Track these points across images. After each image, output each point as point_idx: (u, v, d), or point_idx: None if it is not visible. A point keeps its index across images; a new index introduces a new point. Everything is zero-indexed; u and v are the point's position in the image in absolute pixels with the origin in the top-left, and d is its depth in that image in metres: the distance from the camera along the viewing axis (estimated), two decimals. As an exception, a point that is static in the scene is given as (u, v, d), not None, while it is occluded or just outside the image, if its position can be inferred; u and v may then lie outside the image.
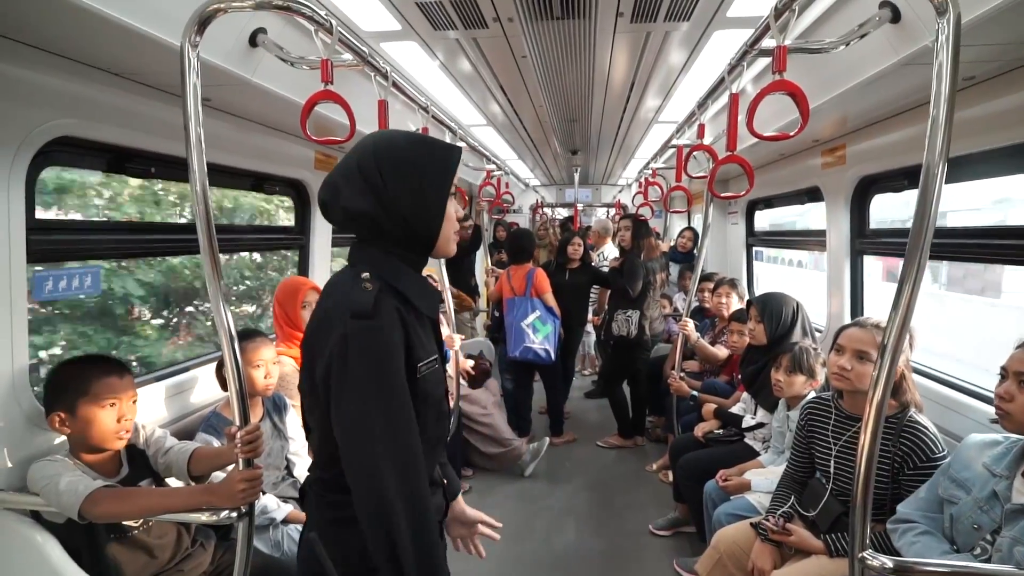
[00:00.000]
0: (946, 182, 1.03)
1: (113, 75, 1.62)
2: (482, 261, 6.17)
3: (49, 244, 1.61)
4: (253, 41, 1.65)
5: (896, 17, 1.43)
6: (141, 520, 1.54)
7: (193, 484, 1.61)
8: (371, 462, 0.91)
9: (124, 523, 1.50)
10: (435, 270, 3.86)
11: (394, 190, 0.98)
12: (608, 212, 8.47)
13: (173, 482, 1.66)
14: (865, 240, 2.75)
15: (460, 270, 5.12)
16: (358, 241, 1.05)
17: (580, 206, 7.60)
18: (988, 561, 1.26)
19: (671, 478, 2.99)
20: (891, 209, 3.15)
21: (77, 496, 1.33)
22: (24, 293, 1.47)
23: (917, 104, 2.04)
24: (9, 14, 1.23)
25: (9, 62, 1.37)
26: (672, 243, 5.41)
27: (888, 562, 1.13)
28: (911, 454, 1.61)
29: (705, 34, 2.22)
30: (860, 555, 1.15)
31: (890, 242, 2.65)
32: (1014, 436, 1.34)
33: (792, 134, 1.52)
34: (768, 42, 1.44)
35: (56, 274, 1.69)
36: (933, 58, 1.02)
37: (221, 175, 2.31)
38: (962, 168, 1.92)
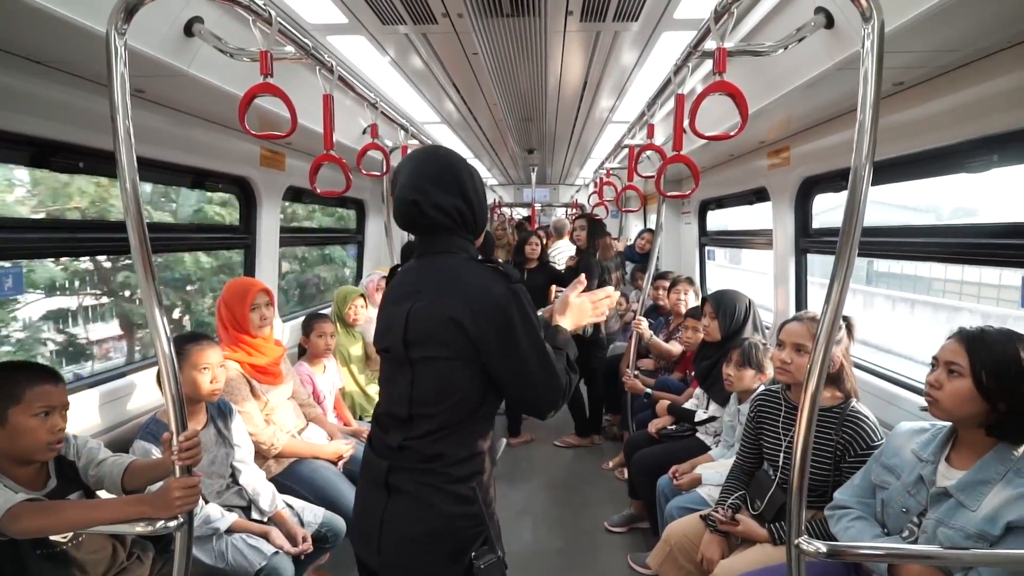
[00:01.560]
0: (877, 184, 1.07)
1: (36, 63, 1.53)
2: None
3: None
4: (189, 30, 1.58)
5: (830, 23, 1.49)
6: (71, 534, 1.45)
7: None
8: (551, 368, 1.21)
9: (51, 538, 1.41)
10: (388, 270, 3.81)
11: (470, 190, 1.26)
12: (566, 211, 8.54)
13: (105, 495, 1.58)
14: (808, 239, 2.85)
15: None
16: (439, 233, 1.26)
17: (538, 206, 7.64)
18: (915, 543, 1.32)
19: (626, 475, 3.03)
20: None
21: None
22: None
23: (853, 108, 2.11)
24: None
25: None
26: (629, 243, 5.49)
27: (822, 547, 1.17)
28: (852, 442, 1.68)
29: (653, 35, 2.26)
30: (796, 541, 1.19)
31: (832, 240, 2.76)
32: (940, 423, 1.41)
33: (733, 134, 1.55)
34: (710, 44, 1.47)
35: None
36: (860, 64, 1.06)
37: (157, 171, 2.21)
38: (894, 170, 2.01)
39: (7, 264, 1.70)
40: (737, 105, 1.46)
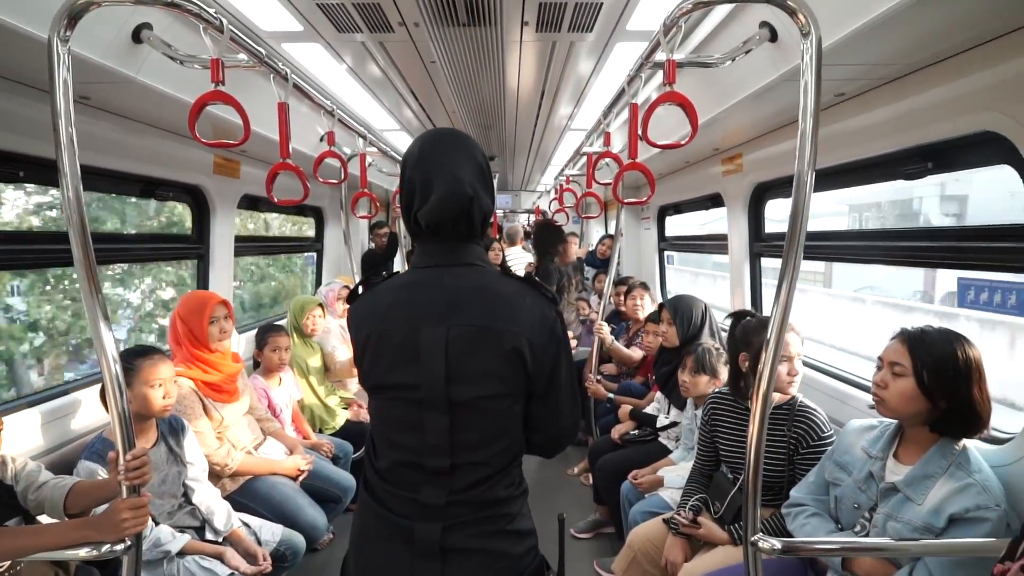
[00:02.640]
0: (820, 190, 1.12)
1: None
2: (400, 270, 6.06)
3: None
4: (137, 37, 1.53)
5: (774, 37, 1.54)
6: (6, 564, 1.38)
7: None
8: (578, 400, 1.12)
9: None
10: (349, 278, 3.75)
11: (493, 193, 1.10)
12: (528, 218, 8.59)
13: (45, 519, 1.50)
14: (762, 243, 2.93)
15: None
16: (466, 241, 1.07)
17: (500, 212, 7.66)
18: (867, 536, 1.37)
19: (591, 481, 3.05)
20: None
21: None
22: None
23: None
24: None
25: None
26: (591, 248, 5.56)
27: (777, 544, 1.21)
28: (804, 436, 1.74)
29: (608, 45, 2.30)
30: (752, 539, 1.22)
31: (781, 245, 2.84)
32: (888, 420, 1.47)
33: (684, 143, 1.59)
34: (661, 56, 1.51)
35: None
36: (800, 76, 1.10)
37: (104, 180, 2.13)
38: (838, 177, 2.09)
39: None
40: (687, 115, 1.50)
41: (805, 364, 2.45)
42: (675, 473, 2.30)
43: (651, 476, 2.34)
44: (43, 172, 1.79)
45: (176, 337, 2.21)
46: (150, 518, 1.48)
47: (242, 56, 1.61)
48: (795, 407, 1.78)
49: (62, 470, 1.74)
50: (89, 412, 2.02)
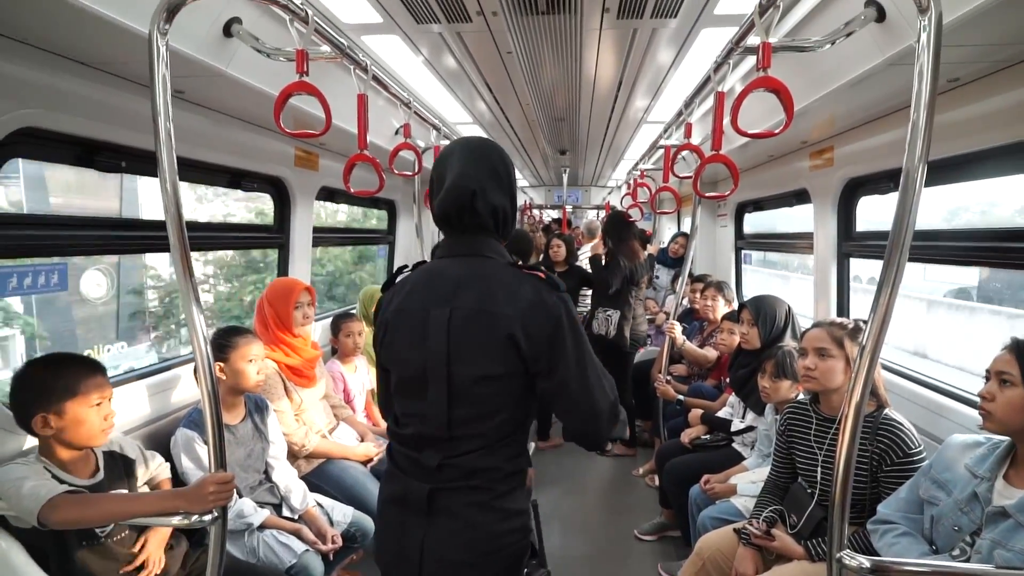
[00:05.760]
0: (930, 185, 1.02)
1: (81, 64, 1.57)
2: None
3: (11, 240, 1.56)
4: (228, 31, 1.60)
5: (881, 16, 1.42)
6: (112, 527, 1.50)
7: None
8: (600, 379, 1.14)
9: (95, 530, 1.47)
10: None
11: (513, 191, 1.21)
12: (598, 214, 8.47)
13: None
14: (852, 243, 2.74)
15: None
16: (479, 234, 1.18)
17: (569, 207, 7.59)
18: (967, 563, 1.25)
19: (657, 482, 2.97)
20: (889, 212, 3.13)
21: (38, 501, 1.29)
22: None
23: (903, 106, 2.03)
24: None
25: (-33, 50, 1.32)
26: (662, 245, 5.40)
27: (866, 562, 1.12)
28: (888, 451, 1.61)
29: (692, 31, 2.20)
30: (838, 555, 1.14)
31: (876, 244, 2.64)
32: (996, 437, 1.34)
33: (777, 132, 1.49)
34: (753, 40, 1.42)
35: (20, 271, 1.63)
36: (915, 59, 1.00)
37: (195, 171, 2.25)
38: (948, 171, 1.91)
39: (54, 260, 1.75)
40: (782, 102, 1.40)
41: (893, 371, 2.29)
42: (748, 480, 2.20)
43: (723, 484, 2.24)
44: (142, 163, 1.92)
45: (263, 320, 2.33)
46: (236, 491, 1.57)
47: (325, 48, 1.66)
48: (879, 419, 1.65)
49: (162, 438, 1.90)
50: (187, 386, 2.16)
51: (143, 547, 1.57)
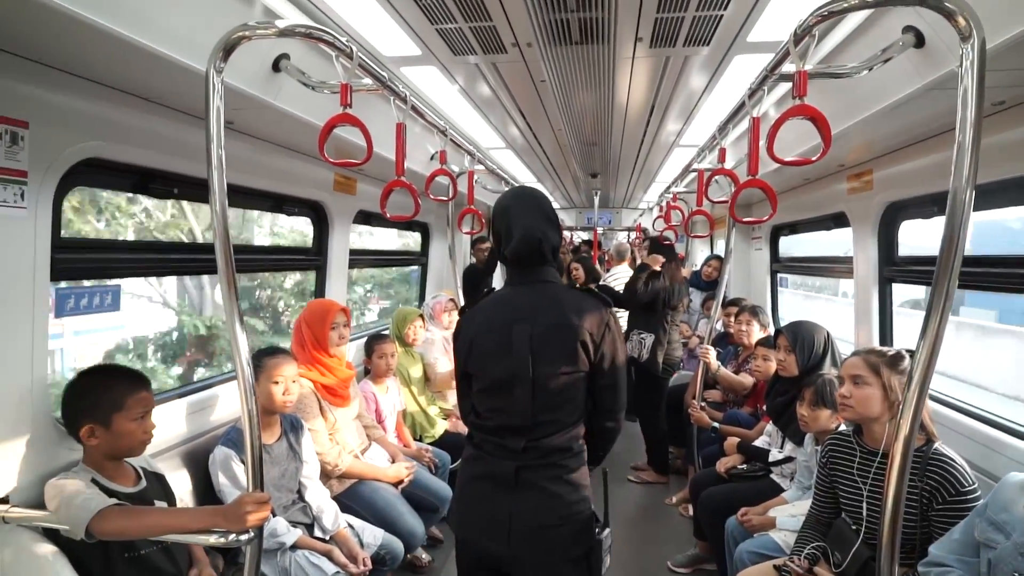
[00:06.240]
0: (977, 209, 1.00)
1: (139, 98, 1.67)
2: (497, 284, 6.16)
3: (72, 263, 1.64)
4: (276, 66, 1.68)
5: (920, 42, 1.40)
6: (155, 542, 1.53)
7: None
8: (625, 383, 1.51)
9: (137, 543, 1.50)
10: (453, 292, 3.86)
11: (559, 226, 1.51)
12: (628, 236, 8.43)
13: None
14: (894, 267, 2.67)
15: (479, 293, 5.08)
16: (543, 264, 1.48)
17: (600, 229, 7.58)
18: (1029, 612, 1.18)
19: (691, 512, 2.89)
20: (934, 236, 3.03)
21: (88, 512, 1.32)
22: (47, 310, 1.49)
23: (945, 129, 1.99)
24: (42, 41, 1.28)
25: (41, 86, 1.42)
26: (695, 269, 5.33)
27: None
28: (940, 488, 1.52)
29: (725, 59, 2.21)
30: (889, 599, 1.09)
31: (920, 270, 2.57)
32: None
33: (814, 159, 1.48)
34: (788, 67, 1.42)
35: (78, 292, 1.72)
36: (958, 83, 0.99)
37: (241, 196, 2.35)
38: (994, 195, 1.86)
39: (109, 282, 1.83)
40: (819, 129, 1.39)
41: (942, 402, 2.19)
42: (788, 514, 2.12)
43: (761, 517, 2.17)
44: (192, 189, 2.01)
45: (300, 340, 2.39)
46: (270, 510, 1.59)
47: (367, 80, 1.72)
48: (928, 454, 1.57)
49: (201, 455, 1.94)
50: (226, 405, 2.22)
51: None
